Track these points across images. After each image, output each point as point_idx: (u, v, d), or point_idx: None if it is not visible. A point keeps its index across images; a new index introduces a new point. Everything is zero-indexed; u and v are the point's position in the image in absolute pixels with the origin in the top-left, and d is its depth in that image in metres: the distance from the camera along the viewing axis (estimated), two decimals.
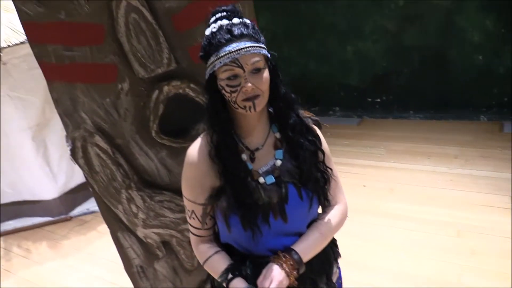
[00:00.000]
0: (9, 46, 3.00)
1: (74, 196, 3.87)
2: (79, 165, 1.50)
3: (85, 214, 3.89)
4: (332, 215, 1.23)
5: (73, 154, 1.48)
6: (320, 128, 1.23)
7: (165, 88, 1.52)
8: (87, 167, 1.51)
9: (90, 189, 1.57)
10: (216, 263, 1.19)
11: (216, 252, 1.21)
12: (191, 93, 1.57)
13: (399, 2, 4.33)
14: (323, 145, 1.21)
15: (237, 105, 1.06)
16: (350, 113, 5.17)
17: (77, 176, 3.77)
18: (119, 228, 1.68)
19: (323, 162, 1.20)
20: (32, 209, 3.78)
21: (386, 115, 4.90)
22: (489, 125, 4.16)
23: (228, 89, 1.05)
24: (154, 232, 1.69)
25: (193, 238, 1.25)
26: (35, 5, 1.29)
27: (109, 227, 1.69)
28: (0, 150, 3.50)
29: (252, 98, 1.05)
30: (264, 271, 1.11)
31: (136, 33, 1.40)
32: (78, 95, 1.44)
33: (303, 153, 1.16)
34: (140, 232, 1.68)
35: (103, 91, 1.46)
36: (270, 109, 1.16)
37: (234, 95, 1.05)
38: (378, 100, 5.00)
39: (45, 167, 3.61)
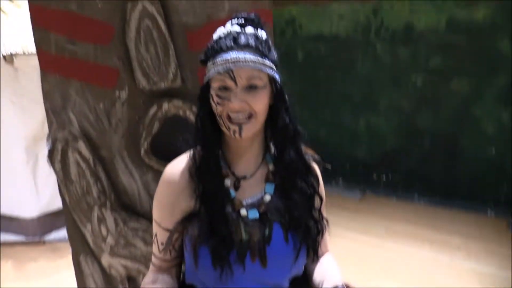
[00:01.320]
0: (24, 53, 2.98)
1: (53, 220, 3.66)
2: (54, 170, 1.36)
3: (60, 240, 3.65)
4: (331, 260, 1.08)
5: (51, 156, 1.34)
6: (320, 168, 1.09)
7: (165, 106, 1.42)
8: (63, 173, 1.37)
9: (61, 199, 1.42)
10: None
11: None
12: (192, 117, 1.46)
13: (417, 83, 4.35)
14: (320, 188, 1.06)
15: (222, 121, 0.94)
16: (354, 186, 5.02)
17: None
18: (82, 251, 1.50)
19: (319, 210, 1.05)
20: (7, 225, 3.57)
21: (390, 194, 4.75)
22: (496, 221, 3.98)
23: (215, 99, 0.93)
24: (120, 263, 1.50)
25: (150, 266, 1.08)
26: None
27: (72, 247, 1.51)
28: None
29: (240, 122, 0.92)
30: None
31: (146, 40, 1.33)
32: (71, 93, 1.33)
33: (296, 196, 1.01)
34: (105, 260, 1.49)
35: (99, 95, 1.36)
36: (268, 137, 1.03)
37: (220, 108, 0.93)
38: (384, 177, 4.87)
39: (30, 181, 3.45)
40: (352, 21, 4.63)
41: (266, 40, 0.96)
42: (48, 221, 3.65)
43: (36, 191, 3.52)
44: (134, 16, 1.29)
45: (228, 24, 0.97)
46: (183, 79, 1.41)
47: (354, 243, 3.67)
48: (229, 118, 0.92)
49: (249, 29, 0.95)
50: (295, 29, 5.04)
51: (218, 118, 0.95)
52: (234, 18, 0.98)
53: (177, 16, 1.36)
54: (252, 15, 0.98)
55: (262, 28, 0.97)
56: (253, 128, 0.95)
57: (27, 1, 1.29)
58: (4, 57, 2.95)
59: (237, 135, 0.93)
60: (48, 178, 3.52)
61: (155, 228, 1.05)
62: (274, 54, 0.97)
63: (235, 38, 0.93)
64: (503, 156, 3.97)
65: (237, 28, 0.95)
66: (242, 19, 0.97)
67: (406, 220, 4.13)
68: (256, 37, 0.94)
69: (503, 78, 3.84)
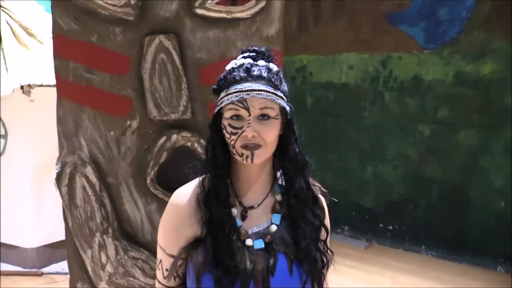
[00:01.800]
0: (42, 85, 3.08)
1: (52, 252, 3.63)
2: (60, 193, 1.38)
3: (58, 273, 3.59)
4: None
5: (58, 179, 1.37)
6: (327, 201, 1.10)
7: (174, 137, 1.45)
8: (68, 197, 1.39)
9: (64, 223, 1.42)
10: None
11: None
12: (199, 149, 1.48)
13: (424, 132, 4.37)
14: (326, 220, 1.06)
15: (235, 150, 0.95)
16: (359, 235, 4.93)
17: (63, 231, 3.57)
18: (80, 278, 1.49)
19: (325, 241, 1.05)
20: (6, 253, 3.54)
21: (396, 244, 4.65)
22: (505, 277, 3.85)
23: (229, 129, 0.95)
24: None
25: None
26: (71, 21, 1.30)
27: (70, 274, 1.49)
28: None
29: (252, 148, 0.94)
30: None
31: (161, 73, 1.38)
32: (84, 119, 1.38)
33: (304, 226, 1.01)
34: None
35: (110, 123, 1.40)
36: (276, 167, 1.04)
37: (233, 137, 0.94)
38: (390, 227, 4.79)
39: (33, 212, 3.46)
40: (361, 71, 4.75)
41: (278, 72, 0.99)
42: (47, 253, 3.62)
43: (39, 222, 3.52)
44: (150, 50, 1.36)
45: (240, 57, 1.02)
46: (193, 112, 1.45)
47: None
48: (241, 146, 0.94)
49: (261, 62, 0.99)
50: (305, 76, 5.17)
51: (230, 147, 0.96)
52: (246, 51, 1.02)
53: (192, 52, 1.42)
54: (263, 48, 1.03)
55: (272, 61, 1.01)
56: (264, 155, 0.96)
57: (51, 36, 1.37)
58: (22, 88, 3.05)
59: (249, 160, 0.95)
60: (53, 210, 3.53)
61: (160, 254, 1.05)
62: (285, 86, 1.01)
63: (248, 69, 0.96)
64: None
65: (249, 60, 0.99)
66: (254, 52, 1.01)
67: (412, 272, 4.01)
68: (268, 69, 0.98)
69: (510, 131, 3.85)
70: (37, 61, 3.23)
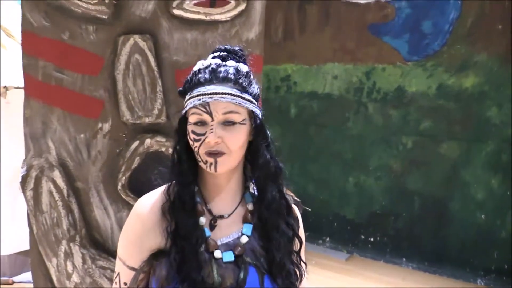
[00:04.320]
0: (18, 87, 2.99)
1: (24, 259, 3.50)
2: (25, 197, 1.31)
3: (30, 282, 3.46)
4: None
5: (23, 183, 1.30)
6: (300, 210, 1.05)
7: (147, 141, 1.40)
8: (33, 202, 1.32)
9: (29, 229, 1.35)
10: None
11: None
12: None
13: (407, 144, 4.39)
14: (300, 231, 1.02)
15: (200, 157, 0.90)
16: (340, 246, 4.90)
17: None
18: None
19: (299, 252, 1.00)
20: None
21: (377, 256, 4.63)
22: None
23: (192, 136, 0.90)
24: None
25: None
26: (42, 18, 1.25)
27: (34, 282, 1.42)
28: None
29: (215, 155, 0.88)
30: None
31: (135, 74, 1.33)
32: (52, 121, 1.31)
33: (278, 237, 0.95)
34: None
35: (81, 125, 1.34)
36: (248, 175, 1.00)
37: (196, 144, 0.89)
38: (372, 239, 4.77)
39: (6, 218, 3.34)
40: (345, 82, 4.76)
41: (247, 73, 0.94)
42: (21, 260, 3.49)
43: (12, 229, 3.39)
44: (124, 51, 1.31)
45: (210, 56, 0.97)
46: (168, 116, 1.40)
47: None
48: (205, 153, 0.89)
49: (231, 62, 0.94)
50: (289, 85, 5.16)
51: (195, 153, 0.91)
52: (217, 50, 0.98)
53: (168, 54, 1.38)
54: (237, 48, 0.98)
55: (245, 62, 0.97)
56: (228, 164, 0.91)
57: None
58: None
59: (212, 168, 0.90)
60: (26, 216, 3.42)
61: (119, 267, 0.98)
62: (256, 88, 0.95)
63: (214, 70, 0.91)
64: (493, 223, 3.93)
65: (217, 61, 0.94)
66: (225, 51, 0.96)
67: (393, 284, 3.98)
68: (237, 70, 0.93)
69: (492, 144, 3.89)
70: (14, 63, 3.15)
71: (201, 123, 0.89)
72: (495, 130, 3.84)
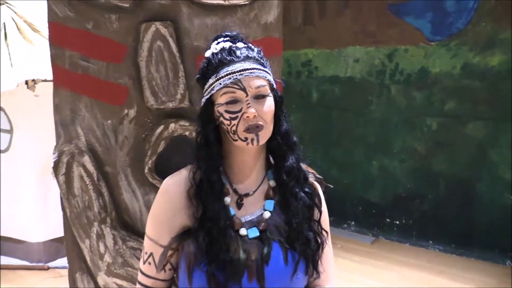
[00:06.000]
0: (46, 80, 3.09)
1: (59, 246, 3.64)
2: (58, 182, 1.37)
3: (64, 267, 3.60)
4: None
5: (55, 168, 1.36)
6: (322, 188, 1.07)
7: (172, 126, 1.43)
8: (66, 186, 1.38)
9: (62, 212, 1.42)
10: None
11: None
12: None
13: (432, 126, 4.32)
14: (323, 205, 1.04)
15: (237, 136, 0.92)
16: (365, 230, 4.90)
17: None
18: (79, 268, 1.49)
19: (319, 221, 1.02)
20: (13, 248, 3.57)
21: (403, 239, 4.61)
22: None
23: (227, 115, 0.92)
24: (116, 283, 1.47)
25: None
26: (66, 8, 1.29)
27: (69, 264, 1.49)
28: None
29: (255, 129, 0.91)
30: None
31: (157, 61, 1.36)
32: (81, 108, 1.36)
33: (296, 204, 0.98)
34: (101, 279, 1.47)
35: (107, 111, 1.39)
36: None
37: (234, 122, 0.92)
38: (397, 222, 4.74)
39: (39, 206, 3.48)
40: (367, 65, 4.71)
41: (260, 51, 0.98)
42: (54, 247, 3.64)
43: (45, 216, 3.54)
44: (146, 38, 1.34)
45: (215, 43, 0.99)
46: (191, 101, 1.43)
47: None
48: (244, 130, 0.91)
49: (240, 44, 0.97)
50: (311, 70, 5.13)
51: (231, 134, 0.93)
52: (219, 37, 1.00)
53: (189, 39, 1.40)
54: (234, 32, 1.02)
55: (249, 43, 1.01)
56: (267, 135, 0.95)
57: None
58: (27, 83, 3.05)
59: (254, 143, 0.92)
60: (58, 204, 3.55)
61: (150, 248, 1.02)
62: (269, 63, 1.00)
63: (232, 51, 0.95)
64: None
65: (229, 43, 0.97)
66: (228, 37, 1.00)
67: (419, 266, 3.97)
68: (251, 48, 0.97)
69: None
70: (42, 56, 3.24)
71: (234, 101, 0.92)
72: None
